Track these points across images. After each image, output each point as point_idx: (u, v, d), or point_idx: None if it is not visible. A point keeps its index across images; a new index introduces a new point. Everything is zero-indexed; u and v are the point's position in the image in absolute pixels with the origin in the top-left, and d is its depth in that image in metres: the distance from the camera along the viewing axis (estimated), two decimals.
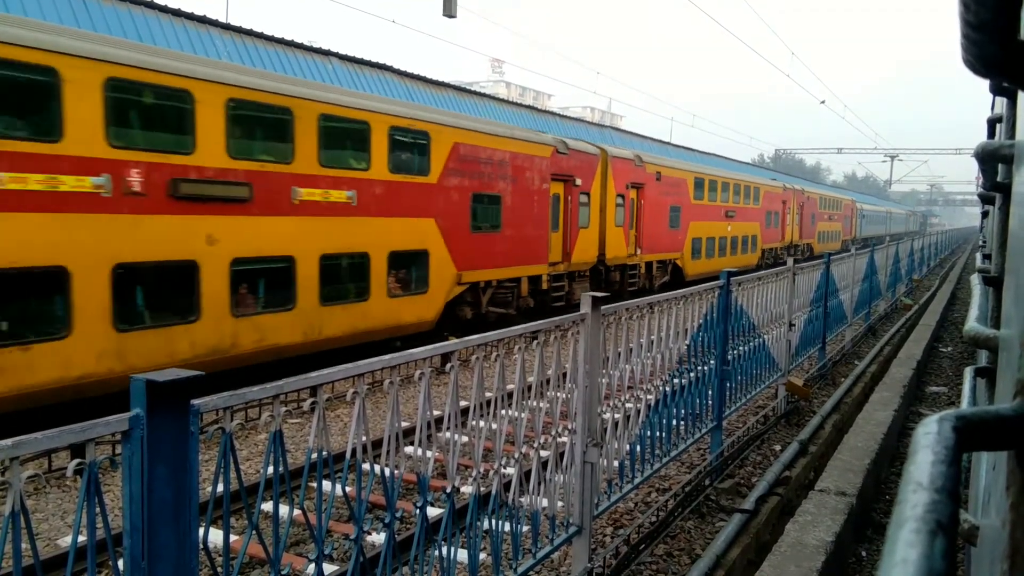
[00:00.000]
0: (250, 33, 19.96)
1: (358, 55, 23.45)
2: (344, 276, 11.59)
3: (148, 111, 9.15)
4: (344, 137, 11.57)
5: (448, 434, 3.66)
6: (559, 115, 36.32)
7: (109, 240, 8.45)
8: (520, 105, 34.53)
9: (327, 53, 22.17)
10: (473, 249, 14.14)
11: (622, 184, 19.98)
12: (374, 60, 23.95)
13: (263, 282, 10.38)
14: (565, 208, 17.41)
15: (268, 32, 20.55)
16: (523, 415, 4.27)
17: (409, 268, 12.83)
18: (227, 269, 9.71)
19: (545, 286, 16.78)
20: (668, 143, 43.00)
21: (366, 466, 3.15)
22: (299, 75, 18.86)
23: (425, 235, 13.00)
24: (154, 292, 9.17)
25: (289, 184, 10.50)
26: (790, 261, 9.48)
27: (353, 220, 11.55)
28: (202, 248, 9.40)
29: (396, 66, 24.79)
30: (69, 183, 8.08)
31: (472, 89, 34.58)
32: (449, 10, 15.99)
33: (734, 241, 28.44)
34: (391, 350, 3.59)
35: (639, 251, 21.09)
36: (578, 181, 17.79)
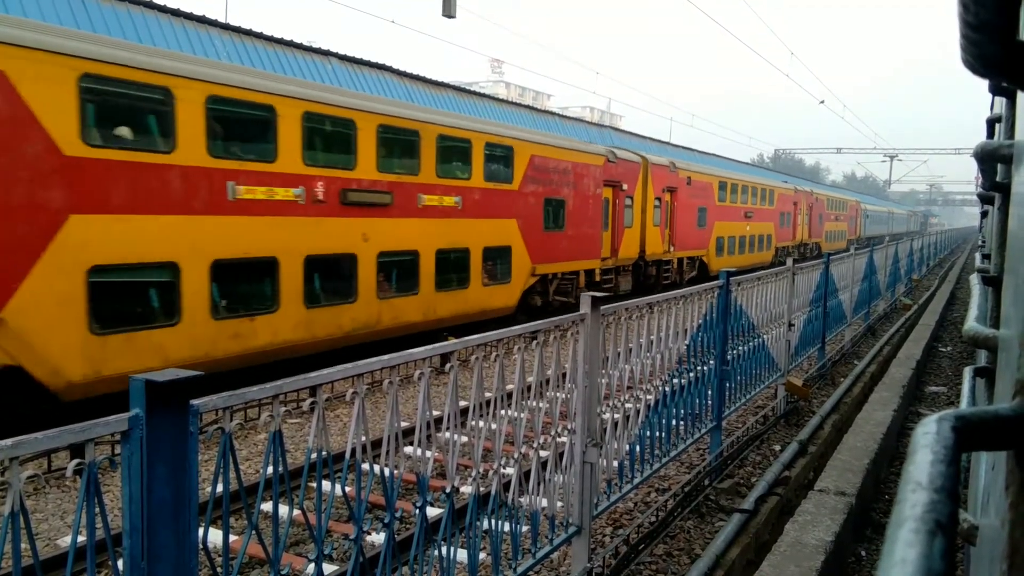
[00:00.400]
0: (249, 33, 19.96)
1: (357, 55, 23.45)
2: (452, 267, 14.01)
3: (327, 137, 11.64)
4: (453, 153, 14.02)
5: (447, 434, 3.66)
6: (558, 115, 36.31)
7: (302, 237, 10.87)
8: (519, 105, 34.52)
9: (326, 53, 22.17)
10: (544, 246, 16.61)
11: (659, 188, 22.27)
12: (373, 60, 23.95)
13: (397, 272, 12.81)
14: (613, 210, 19.68)
15: (267, 32, 20.55)
16: (522, 415, 4.27)
17: (497, 261, 15.23)
18: (375, 260, 12.18)
19: (597, 278, 18.97)
20: (667, 143, 43.00)
21: (365, 466, 3.15)
22: (298, 75, 18.85)
23: (509, 234, 15.50)
24: (329, 278, 11.53)
25: (416, 192, 12.95)
26: (789, 261, 9.48)
27: (459, 221, 14.03)
28: (359, 243, 11.87)
29: (395, 66, 24.79)
30: (280, 193, 10.51)
31: (472, 89, 34.57)
32: (448, 10, 15.99)
33: (752, 240, 30.67)
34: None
35: (672, 248, 23.28)
36: (624, 186, 20.17)
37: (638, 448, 5.50)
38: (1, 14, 9.24)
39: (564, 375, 4.61)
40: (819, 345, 11.60)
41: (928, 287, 26.20)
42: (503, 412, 4.03)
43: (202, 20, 18.70)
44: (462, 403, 5.03)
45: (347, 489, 3.19)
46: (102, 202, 8.56)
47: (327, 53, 22.21)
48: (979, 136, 3.59)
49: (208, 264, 9.66)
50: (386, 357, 3.18)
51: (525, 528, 4.27)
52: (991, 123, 3.11)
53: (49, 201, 8.08)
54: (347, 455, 3.03)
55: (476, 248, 14.45)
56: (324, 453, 2.91)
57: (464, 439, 5.26)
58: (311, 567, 2.91)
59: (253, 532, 2.62)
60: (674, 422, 6.12)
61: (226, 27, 19.43)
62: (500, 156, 15.12)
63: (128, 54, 8.98)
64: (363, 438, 3.07)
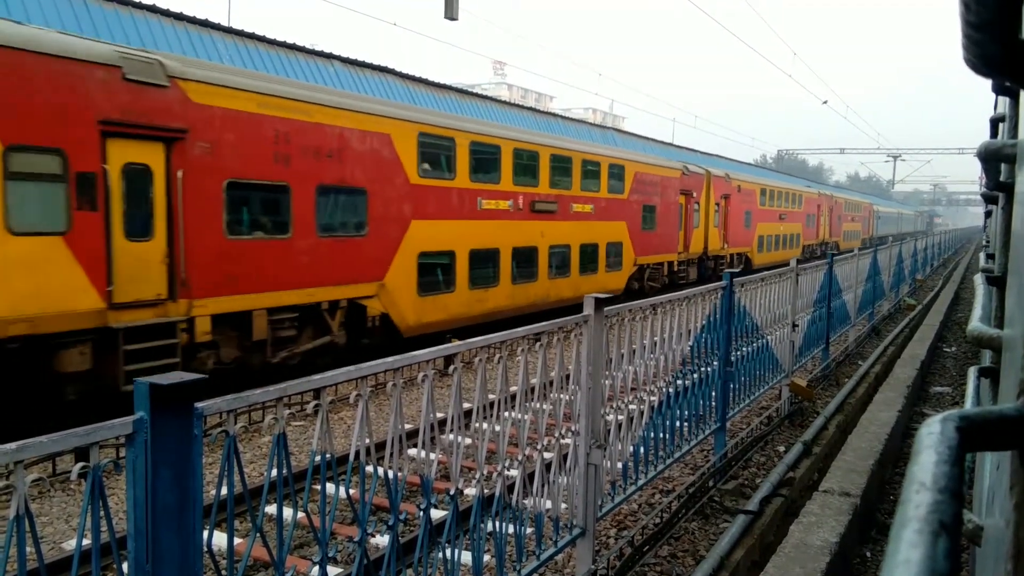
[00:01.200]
0: (252, 37, 20.00)
1: (360, 58, 23.49)
2: (588, 258, 18.95)
3: (524, 165, 16.51)
4: (590, 173, 18.98)
5: (451, 436, 3.66)
6: (561, 117, 36.33)
7: (511, 234, 15.90)
8: (522, 107, 34.55)
9: (329, 56, 22.21)
10: (642, 242, 21.58)
11: (718, 195, 26.59)
12: (376, 63, 23.98)
13: (558, 260, 17.68)
14: (685, 214, 24.41)
15: (270, 36, 20.60)
16: (526, 417, 4.27)
17: (613, 254, 20.16)
18: (548, 251, 17.23)
19: (675, 268, 23.87)
20: (670, 144, 42.98)
21: (369, 468, 3.15)
22: (299, 78, 18.89)
23: (621, 233, 20.53)
24: (522, 264, 16.39)
25: (569, 202, 18.11)
26: (793, 261, 9.47)
27: (592, 223, 19.07)
28: (540, 239, 16.93)
29: (398, 69, 24.83)
30: (502, 204, 15.66)
31: (474, 91, 34.61)
32: (451, 12, 16.01)
33: (785, 238, 35.26)
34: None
35: (726, 245, 27.63)
36: (694, 194, 24.80)
37: (642, 450, 5.49)
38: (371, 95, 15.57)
39: (568, 377, 4.61)
40: (823, 346, 11.58)
41: (932, 287, 26.15)
42: (507, 414, 4.03)
43: (205, 24, 18.75)
44: (466, 405, 5.03)
45: (351, 491, 3.19)
46: (425, 212, 13.57)
47: (329, 56, 22.25)
48: (983, 136, 3.58)
49: (468, 252, 14.65)
50: (389, 359, 3.19)
51: (529, 530, 4.27)
52: (994, 123, 3.10)
53: (404, 212, 13.11)
54: (351, 457, 3.04)
55: (602, 243, 19.62)
56: (328, 455, 2.91)
57: (468, 441, 5.27)
58: (315, 570, 2.91)
59: (257, 535, 2.62)
60: (678, 423, 6.12)
61: (229, 31, 19.48)
62: (617, 173, 20.28)
63: (437, 119, 14.47)
64: (367, 440, 3.07)
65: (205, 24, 18.73)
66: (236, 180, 10.16)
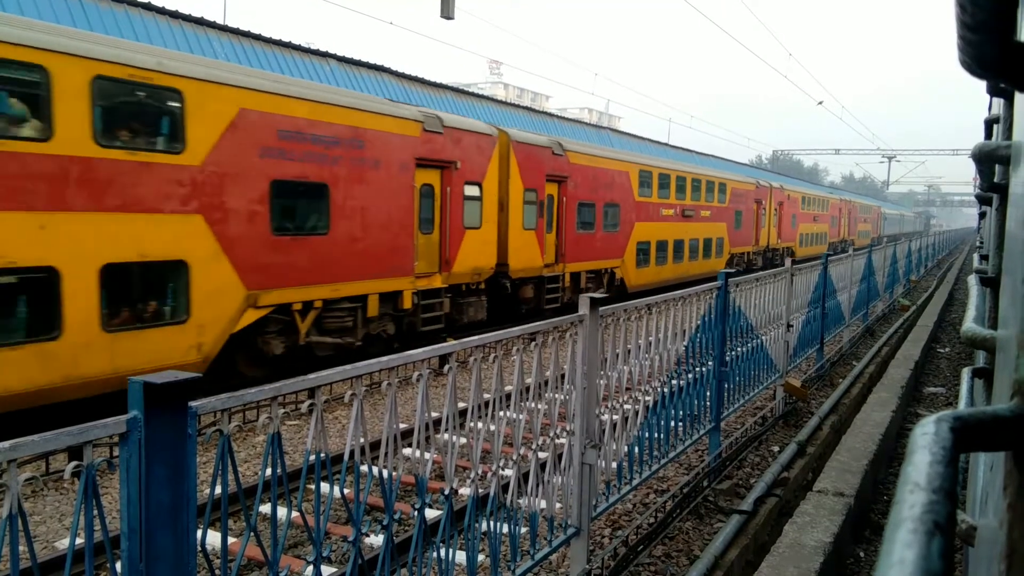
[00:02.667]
0: (247, 35, 19.96)
1: (356, 57, 23.45)
2: (707, 248, 26.59)
3: (680, 185, 24.20)
4: (709, 189, 26.64)
5: (446, 436, 3.66)
6: (557, 116, 36.34)
7: (674, 231, 23.66)
8: (518, 106, 34.54)
9: (324, 55, 22.18)
10: (734, 238, 29.27)
11: (775, 202, 34.49)
12: (372, 62, 23.96)
13: (693, 248, 25.40)
14: (757, 217, 32.37)
15: (266, 34, 20.56)
16: (521, 416, 4.27)
17: (718, 245, 27.57)
18: (689, 243, 24.99)
19: (750, 257, 31.57)
20: (666, 144, 43.04)
21: (364, 468, 3.15)
22: (297, 76, 18.85)
23: (723, 231, 28.20)
24: (677, 251, 24.04)
25: (699, 209, 25.70)
26: (788, 262, 9.49)
27: (709, 223, 26.72)
28: (686, 235, 24.61)
29: (394, 68, 24.80)
30: (670, 212, 23.50)
31: (470, 91, 34.59)
32: (447, 11, 16.01)
33: (818, 236, 43.10)
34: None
35: (780, 241, 35.23)
36: (762, 202, 32.83)
37: (637, 449, 5.49)
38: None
39: (563, 376, 4.61)
40: (817, 346, 11.61)
41: (926, 288, 26.23)
42: (502, 413, 4.02)
43: (201, 22, 18.71)
44: (461, 404, 5.03)
45: (346, 491, 3.18)
46: (643, 217, 21.50)
47: (326, 55, 22.22)
48: (977, 137, 3.59)
49: (656, 243, 22.48)
50: (384, 359, 3.18)
51: (524, 530, 4.26)
52: (989, 124, 3.11)
53: (632, 218, 20.95)
54: (346, 457, 3.03)
55: (714, 238, 27.10)
56: (323, 455, 2.91)
57: (463, 440, 5.26)
58: (310, 569, 2.90)
59: (252, 534, 2.61)
60: (673, 423, 6.12)
61: (224, 29, 19.43)
62: (722, 188, 27.85)
63: (649, 161, 23.32)
64: (362, 440, 3.06)
65: (201, 22, 18.69)
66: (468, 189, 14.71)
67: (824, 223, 45.06)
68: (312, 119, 10.91)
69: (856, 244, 49.02)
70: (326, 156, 11.16)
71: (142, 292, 9.09)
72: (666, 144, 43.38)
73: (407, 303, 12.95)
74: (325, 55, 22.18)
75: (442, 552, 3.56)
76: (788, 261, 9.63)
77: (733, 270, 8.56)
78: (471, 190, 14.56)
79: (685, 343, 6.26)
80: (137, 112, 9.07)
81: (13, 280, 7.74)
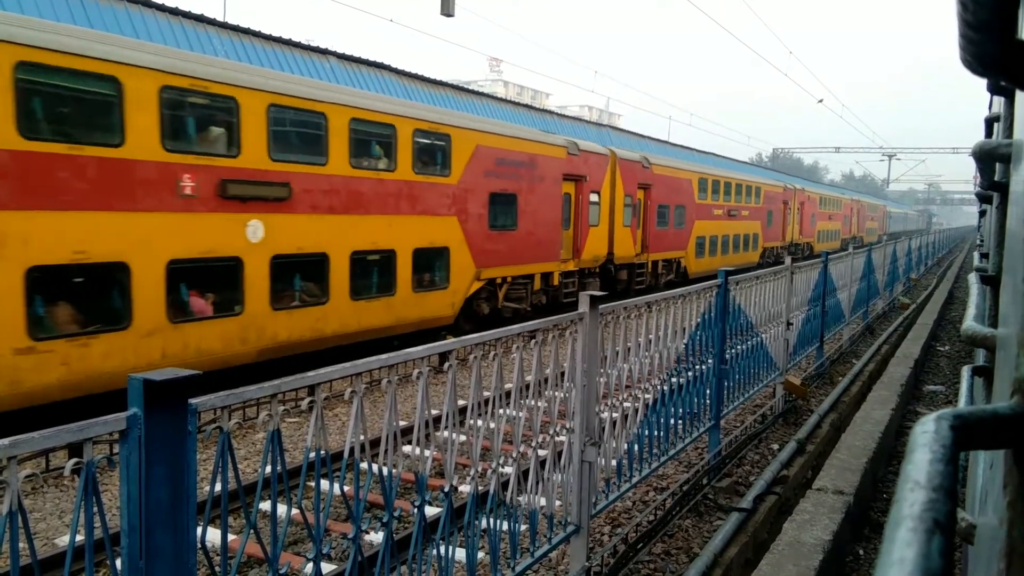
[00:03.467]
0: (247, 32, 19.93)
1: (356, 54, 23.42)
2: (745, 242, 31.04)
3: (727, 190, 29.11)
4: (748, 191, 31.04)
5: (446, 433, 3.66)
6: (557, 114, 36.31)
7: (721, 228, 28.51)
8: (518, 104, 34.51)
9: (324, 52, 22.15)
10: (767, 234, 33.65)
11: (799, 202, 39.20)
12: (372, 59, 23.93)
13: (736, 241, 29.60)
14: (784, 215, 36.77)
15: (265, 31, 20.53)
16: (521, 414, 4.27)
17: (754, 241, 32.17)
18: (733, 238, 29.69)
19: (778, 250, 35.28)
20: (667, 142, 43.02)
21: (364, 465, 3.15)
22: (297, 73, 18.83)
23: (759, 228, 32.48)
24: (724, 244, 28.59)
25: (740, 209, 30.20)
26: (788, 260, 9.49)
27: (747, 222, 30.79)
28: (731, 231, 29.35)
29: (394, 65, 24.78)
30: (718, 213, 27.88)
31: (470, 88, 34.57)
32: (447, 9, 15.99)
33: (832, 233, 48.16)
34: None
35: (801, 237, 39.90)
36: (788, 202, 37.24)
37: (636, 447, 5.50)
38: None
39: (563, 374, 4.61)
40: (817, 344, 11.61)
41: (926, 286, 26.23)
42: (501, 411, 4.03)
43: (200, 19, 18.68)
44: (460, 402, 5.03)
45: (345, 488, 3.19)
46: (701, 216, 25.99)
47: (325, 52, 22.19)
48: (977, 135, 3.59)
49: (709, 238, 26.73)
50: (384, 356, 3.18)
51: (523, 527, 4.27)
52: (989, 122, 3.11)
53: (692, 217, 25.29)
54: (345, 454, 3.03)
55: (751, 234, 31.77)
56: (322, 452, 2.91)
57: (463, 438, 5.27)
58: (309, 566, 2.91)
59: (252, 531, 2.61)
60: (672, 421, 6.13)
61: (224, 26, 19.41)
62: (757, 191, 32.52)
63: (709, 171, 28.35)
64: (361, 437, 3.07)
65: (201, 19, 18.66)
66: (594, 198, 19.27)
67: (838, 221, 50.80)
68: (510, 149, 15.81)
69: (865, 240, 53.98)
70: (516, 175, 16.00)
71: (428, 267, 13.66)
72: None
73: (555, 281, 17.72)
74: (325, 52, 22.15)
75: (442, 549, 3.57)
76: (788, 260, 9.63)
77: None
78: (593, 197, 19.20)
79: (685, 341, 6.26)
80: (430, 150, 13.80)
81: (377, 258, 12.55)
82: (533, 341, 4.30)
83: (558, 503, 4.60)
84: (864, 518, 6.24)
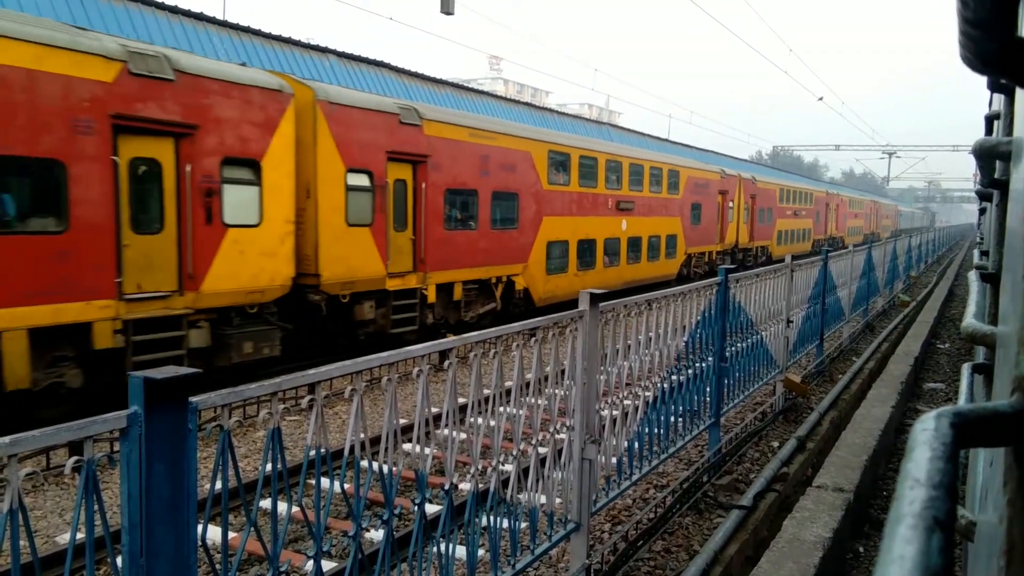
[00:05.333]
0: (247, 30, 19.92)
1: (355, 52, 23.40)
2: (798, 236, 39.72)
3: (792, 198, 39.38)
4: (801, 196, 40.30)
5: (446, 431, 3.66)
6: (557, 112, 36.29)
7: (791, 224, 38.64)
8: (518, 102, 34.49)
9: (324, 50, 22.14)
10: (816, 230, 42.81)
11: (834, 204, 48.18)
12: (372, 57, 23.92)
13: (793, 236, 38.84)
14: (826, 214, 45.67)
15: (265, 30, 20.51)
16: (521, 412, 4.27)
17: (807, 234, 41.08)
18: (792, 232, 39.30)
19: (822, 242, 41.32)
20: (666, 140, 42.99)
21: (364, 463, 3.15)
22: (295, 73, 18.83)
23: (809, 224, 41.88)
24: (790, 235, 38.29)
25: (799, 210, 40.06)
26: (788, 258, 9.49)
27: (803, 219, 40.81)
28: (793, 227, 39.00)
29: (394, 63, 24.76)
30: (789, 213, 38.14)
31: (470, 86, 34.53)
32: (447, 7, 15.98)
33: (856, 229, 55.76)
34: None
35: (836, 231, 48.91)
36: (830, 204, 47.05)
37: (636, 445, 5.50)
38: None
39: (563, 372, 4.61)
40: (817, 342, 11.61)
41: (926, 284, 26.23)
42: (502, 409, 4.03)
43: (200, 17, 18.67)
44: (461, 400, 5.03)
45: (346, 486, 3.19)
46: (782, 216, 36.79)
47: (325, 50, 22.18)
48: (977, 133, 3.58)
49: (790, 230, 38.11)
50: (384, 354, 3.18)
51: (524, 525, 4.27)
52: (989, 120, 3.11)
53: (776, 217, 35.91)
54: (346, 452, 3.03)
55: (805, 229, 39.93)
56: (323, 450, 2.91)
57: (463, 436, 5.27)
58: (310, 564, 2.91)
59: (252, 529, 2.62)
60: (672, 419, 6.13)
61: (224, 24, 19.40)
62: (808, 196, 41.01)
63: (762, 179, 36.91)
64: (362, 435, 3.07)
65: (200, 18, 18.65)
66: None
67: (861, 219, 57.28)
68: (701, 177, 26.17)
69: (881, 236, 55.89)
70: (704, 192, 26.31)
71: (666, 247, 23.71)
72: (706, 151, 47.08)
73: (714, 256, 28.37)
74: (325, 51, 22.13)
75: (442, 547, 3.57)
76: (788, 257, 9.61)
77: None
78: (730, 203, 29.28)
79: (685, 339, 6.26)
80: (675, 182, 24.10)
81: (648, 238, 22.67)
82: (533, 339, 4.30)
83: (558, 501, 4.60)
84: (864, 515, 6.25)
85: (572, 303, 5.73)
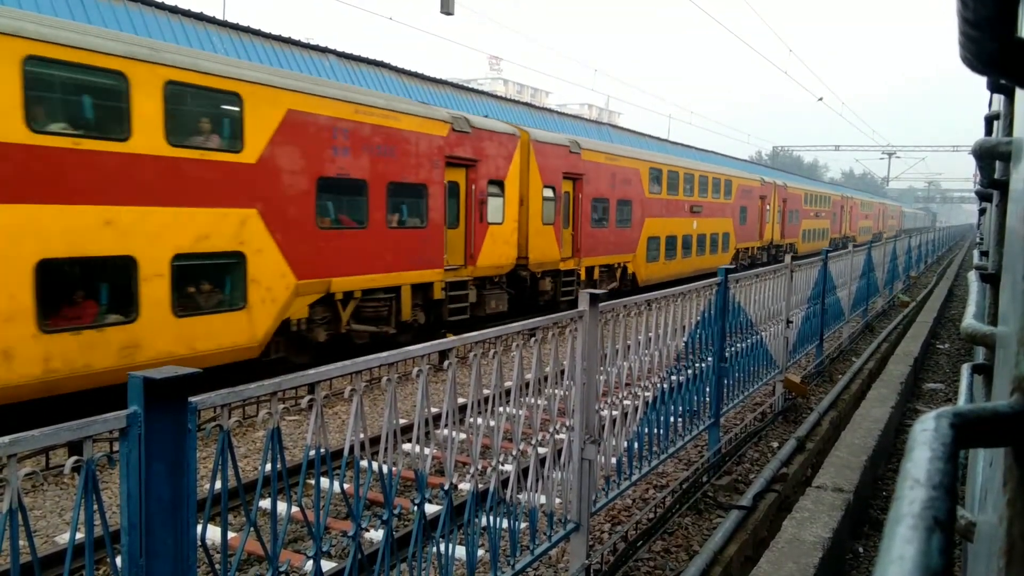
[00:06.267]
0: (247, 30, 19.91)
1: (355, 52, 23.40)
2: (818, 235, 44.94)
3: (817, 200, 45.66)
4: (820, 199, 46.14)
5: (446, 431, 3.66)
6: (557, 112, 36.28)
7: (808, 223, 43.07)
8: (518, 102, 34.49)
9: (324, 50, 22.13)
10: (834, 227, 49.78)
11: (848, 207, 53.46)
12: (372, 58, 23.91)
13: (814, 235, 44.21)
14: (841, 216, 51.52)
15: (265, 30, 20.50)
16: (521, 412, 4.27)
17: (825, 233, 46.68)
18: (812, 229, 45.04)
19: (840, 239, 46.74)
20: (666, 140, 42.99)
21: (364, 463, 3.15)
22: (296, 70, 18.82)
23: (827, 224, 47.64)
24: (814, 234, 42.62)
25: (819, 212, 46.69)
26: (788, 258, 9.49)
27: (823, 220, 46.75)
28: (815, 225, 44.59)
29: (394, 63, 24.75)
30: (823, 213, 46.58)
31: (470, 87, 34.53)
32: (447, 7, 15.98)
33: (866, 228, 61.79)
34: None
35: (849, 231, 53.65)
36: (844, 206, 52.80)
37: (636, 445, 5.50)
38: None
39: (563, 372, 4.61)
40: (817, 342, 11.61)
41: (926, 284, 26.23)
42: (501, 409, 4.03)
43: (200, 17, 18.66)
44: (460, 400, 5.03)
45: (345, 486, 3.19)
46: (856, 217, 56.77)
47: (325, 50, 22.17)
48: (977, 133, 3.58)
49: (865, 227, 58.08)
50: (384, 354, 3.18)
51: (523, 525, 4.27)
52: (989, 120, 3.10)
53: (794, 218, 40.73)
54: (345, 452, 3.03)
55: (822, 228, 45.68)
56: (322, 450, 2.91)
57: (463, 436, 5.27)
58: (310, 564, 2.91)
59: (252, 529, 2.62)
60: (672, 419, 6.13)
61: (224, 24, 19.39)
62: (827, 199, 46.99)
63: (793, 184, 42.65)
64: (361, 435, 3.07)
65: (200, 17, 18.64)
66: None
67: (871, 220, 63.89)
68: (745, 183, 29.76)
69: (885, 235, 57.55)
70: (747, 196, 29.22)
71: (722, 243, 27.90)
72: (709, 151, 47.28)
73: (764, 243, 33.30)
74: (325, 50, 22.13)
75: (442, 547, 3.57)
76: (788, 257, 9.64)
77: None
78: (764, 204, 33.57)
79: (685, 339, 6.26)
80: (725, 188, 28.69)
81: (719, 236, 28.31)
82: (533, 339, 4.30)
83: (558, 501, 4.60)
84: (864, 516, 6.25)
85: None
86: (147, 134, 9.03)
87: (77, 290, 8.68)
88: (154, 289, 9.07)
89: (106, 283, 8.95)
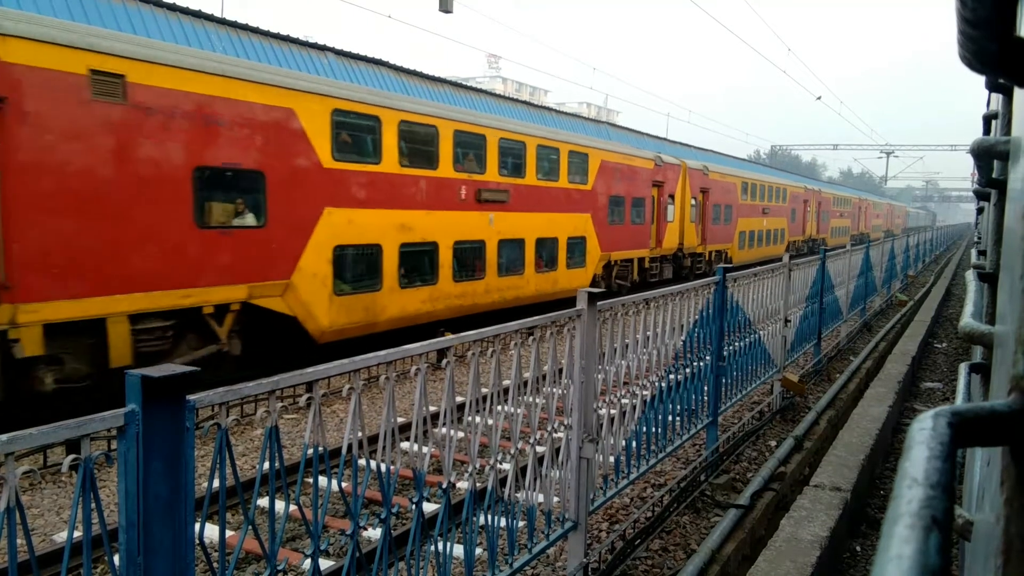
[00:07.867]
0: (246, 28, 19.89)
1: (354, 50, 23.38)
2: (840, 232, 53.17)
3: (840, 204, 54.63)
4: (842, 202, 55.59)
5: (444, 430, 3.66)
6: (555, 111, 36.26)
7: (838, 224, 53.93)
8: (516, 100, 34.48)
9: (323, 48, 22.11)
10: (852, 226, 57.69)
11: (864, 207, 62.09)
12: (370, 56, 23.88)
13: (839, 232, 53.64)
14: (856, 215, 59.94)
15: (263, 28, 20.48)
16: (519, 411, 4.27)
17: (845, 230, 54.31)
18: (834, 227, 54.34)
19: (857, 237, 52.02)
20: (665, 139, 42.98)
21: (362, 462, 3.15)
22: (296, 69, 18.79)
23: (847, 223, 55.89)
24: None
25: (840, 213, 55.11)
26: (786, 257, 9.50)
27: (845, 220, 55.73)
28: (838, 224, 52.91)
29: (392, 61, 24.73)
30: (845, 213, 55.20)
31: (469, 85, 34.51)
32: (445, 6, 15.98)
33: (878, 226, 67.91)
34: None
35: (862, 228, 59.73)
36: (860, 207, 60.74)
37: (634, 444, 5.50)
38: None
39: (560, 371, 4.61)
40: (815, 341, 11.62)
41: (924, 283, 26.26)
42: (499, 408, 4.03)
43: (199, 15, 18.64)
44: (458, 399, 5.03)
45: (343, 484, 3.19)
46: (827, 213, 52.15)
47: (323, 48, 22.15)
48: (975, 132, 3.59)
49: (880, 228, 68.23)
50: (382, 353, 3.18)
51: (521, 523, 4.27)
52: (987, 119, 3.11)
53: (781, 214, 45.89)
54: (343, 451, 3.03)
55: (840, 226, 52.73)
56: (320, 449, 2.91)
57: (461, 435, 5.26)
58: (307, 562, 2.91)
59: (249, 527, 2.62)
60: (670, 418, 6.13)
61: (222, 22, 19.37)
62: (847, 201, 56.33)
63: (830, 190, 55.24)
64: (359, 434, 3.07)
65: (199, 16, 18.61)
66: None
67: (881, 219, 70.93)
68: (618, 161, 21.99)
69: (894, 232, 66.78)
70: (796, 201, 39.97)
71: (774, 236, 36.29)
72: (709, 150, 46.88)
73: (808, 236, 42.11)
74: (323, 48, 22.11)
75: (440, 546, 3.57)
76: (786, 256, 9.65)
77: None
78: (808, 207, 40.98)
79: (683, 338, 6.27)
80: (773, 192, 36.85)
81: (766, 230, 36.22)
82: (531, 338, 4.30)
83: (556, 499, 4.60)
84: (861, 515, 6.26)
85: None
86: (389, 159, 13.44)
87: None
88: (446, 260, 14.77)
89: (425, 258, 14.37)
